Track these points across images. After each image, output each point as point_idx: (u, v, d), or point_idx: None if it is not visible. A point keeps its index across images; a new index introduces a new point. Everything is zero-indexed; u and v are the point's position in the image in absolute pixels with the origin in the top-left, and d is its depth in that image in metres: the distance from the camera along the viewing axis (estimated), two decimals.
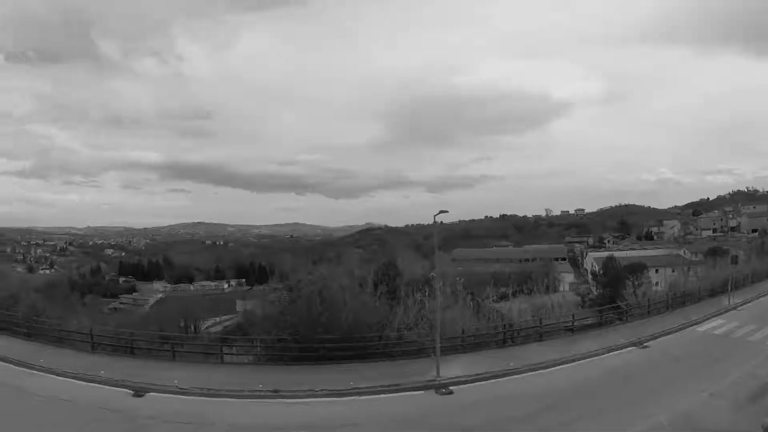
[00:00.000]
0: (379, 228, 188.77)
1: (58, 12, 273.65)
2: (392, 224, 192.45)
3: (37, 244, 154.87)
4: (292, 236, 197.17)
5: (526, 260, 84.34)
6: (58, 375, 16.97)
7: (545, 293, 29.64)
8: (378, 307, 20.55)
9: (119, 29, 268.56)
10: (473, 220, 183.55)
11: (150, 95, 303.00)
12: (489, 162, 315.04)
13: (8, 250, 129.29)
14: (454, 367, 17.02)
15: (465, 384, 15.96)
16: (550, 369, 17.47)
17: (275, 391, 15.21)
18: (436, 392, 15.38)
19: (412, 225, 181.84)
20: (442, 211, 16.87)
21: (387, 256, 49.50)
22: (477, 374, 16.63)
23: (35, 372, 17.28)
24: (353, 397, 15.00)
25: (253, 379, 16.27)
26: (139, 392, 15.55)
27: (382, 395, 15.15)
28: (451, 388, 15.57)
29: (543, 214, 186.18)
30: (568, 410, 13.21)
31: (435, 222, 17.24)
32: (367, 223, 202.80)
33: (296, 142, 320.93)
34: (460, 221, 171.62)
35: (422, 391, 15.48)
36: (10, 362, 18.06)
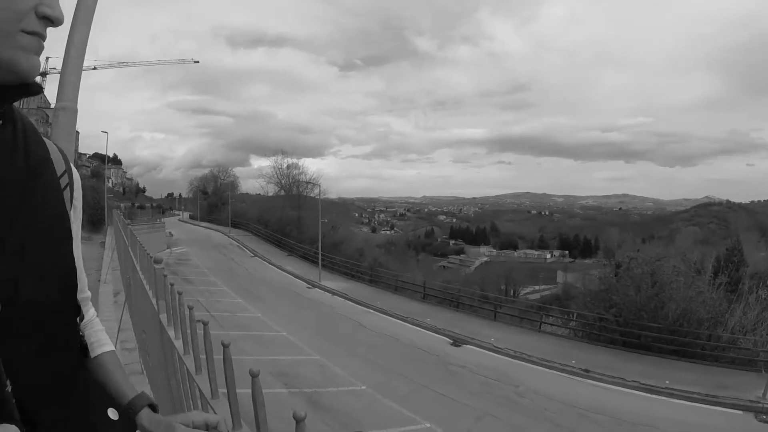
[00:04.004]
0: (719, 203, 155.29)
1: (373, 24, 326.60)
2: (734, 199, 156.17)
3: (380, 211, 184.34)
4: (620, 209, 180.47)
5: None
6: (389, 316, 20.56)
7: None
8: (715, 301, 17.97)
9: (429, 26, 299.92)
10: None
11: (468, 77, 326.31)
12: None
13: (356, 215, 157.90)
14: None
15: None
16: None
17: (586, 370, 14.85)
18: (756, 417, 12.61)
19: (759, 201, 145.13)
20: None
21: (727, 238, 41.61)
22: None
23: (372, 311, 21.33)
24: (662, 398, 13.63)
25: (565, 354, 16.21)
26: (457, 342, 17.31)
27: (692, 403, 13.32)
28: None
29: None
30: None
31: None
32: (705, 197, 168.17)
33: (617, 105, 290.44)
34: None
35: (739, 411, 12.94)
36: (354, 301, 22.81)
